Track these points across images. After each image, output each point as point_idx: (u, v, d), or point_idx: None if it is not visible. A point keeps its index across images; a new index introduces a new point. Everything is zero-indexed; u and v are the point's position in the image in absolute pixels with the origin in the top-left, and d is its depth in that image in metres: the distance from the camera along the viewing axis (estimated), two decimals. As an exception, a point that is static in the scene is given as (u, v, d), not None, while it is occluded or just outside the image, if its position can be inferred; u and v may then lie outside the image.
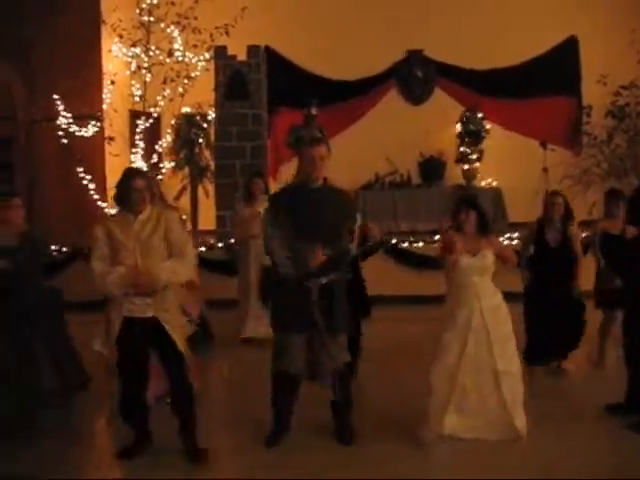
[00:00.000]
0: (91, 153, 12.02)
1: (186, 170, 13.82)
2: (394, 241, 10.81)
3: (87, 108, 11.81)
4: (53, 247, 11.08)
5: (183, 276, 4.77)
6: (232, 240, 9.44)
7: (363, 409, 5.51)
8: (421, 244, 10.77)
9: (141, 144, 12.65)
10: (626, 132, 13.14)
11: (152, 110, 12.78)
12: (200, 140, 13.68)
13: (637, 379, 5.35)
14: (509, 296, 5.27)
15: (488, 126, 14.01)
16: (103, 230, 4.64)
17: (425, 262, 9.98)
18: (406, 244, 10.84)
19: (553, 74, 13.93)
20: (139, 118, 12.74)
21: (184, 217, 8.47)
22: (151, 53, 12.64)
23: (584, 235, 7.51)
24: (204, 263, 10.43)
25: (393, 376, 6.78)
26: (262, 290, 5.21)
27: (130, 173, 4.75)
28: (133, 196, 4.59)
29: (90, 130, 11.92)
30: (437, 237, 10.25)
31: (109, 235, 4.60)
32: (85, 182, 11.71)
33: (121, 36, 12.49)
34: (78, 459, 5.01)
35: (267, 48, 13.10)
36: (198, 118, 13.61)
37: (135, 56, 12.65)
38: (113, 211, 9.30)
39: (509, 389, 4.98)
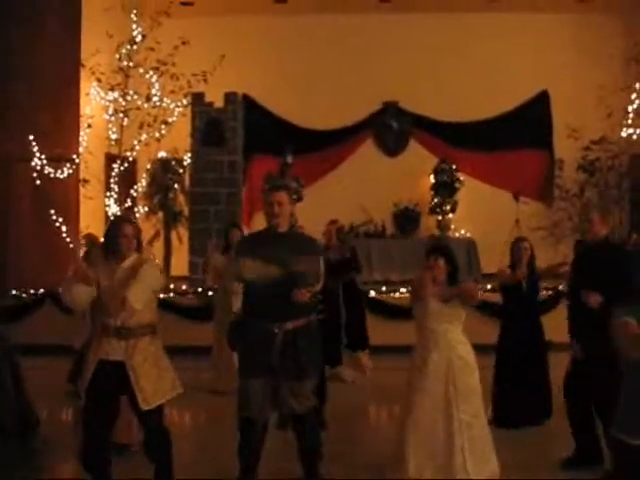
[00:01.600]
0: (65, 195, 11.95)
1: (160, 215, 13.79)
2: (367, 291, 10.80)
3: (63, 150, 11.78)
4: (23, 289, 10.98)
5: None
6: (206, 286, 9.39)
7: (334, 456, 5.44)
8: (395, 294, 10.76)
9: (116, 188, 12.61)
10: (596, 186, 13.37)
11: (128, 154, 12.77)
12: (175, 185, 13.68)
13: (584, 433, 5.41)
14: (479, 348, 5.28)
15: (462, 178, 14.18)
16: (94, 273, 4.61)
17: (398, 312, 9.97)
18: (377, 294, 10.83)
19: (525, 128, 14.18)
20: (115, 161, 12.72)
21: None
22: (129, 97, 12.66)
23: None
24: (176, 309, 10.39)
25: (364, 425, 6.72)
26: (228, 339, 5.15)
27: (120, 220, 4.77)
28: (121, 241, 4.58)
29: (65, 172, 11.87)
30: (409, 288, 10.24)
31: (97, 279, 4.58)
32: (58, 224, 11.62)
33: (99, 80, 12.52)
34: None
35: (244, 96, 13.22)
36: (174, 163, 13.63)
37: (113, 100, 12.68)
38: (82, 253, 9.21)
39: (468, 439, 4.95)
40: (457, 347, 5.09)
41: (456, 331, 5.14)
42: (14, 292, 11.01)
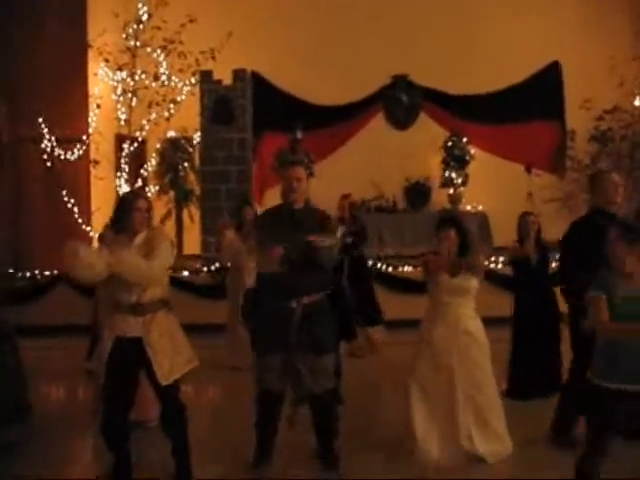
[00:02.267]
0: (76, 176, 11.98)
1: (171, 194, 13.80)
2: (379, 265, 10.81)
3: (72, 131, 11.79)
4: (37, 270, 11.04)
5: (122, 264, 4.46)
6: (219, 265, 9.41)
7: (350, 431, 5.46)
8: (407, 268, 10.76)
9: (126, 168, 12.62)
10: (609, 156, 13.25)
11: (137, 134, 12.76)
12: (185, 164, 13.68)
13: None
14: (493, 321, 5.26)
15: (473, 151, 14.09)
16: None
17: (410, 286, 9.97)
18: (391, 269, 10.83)
19: (537, 99, 14.04)
20: (124, 142, 12.72)
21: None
22: (137, 77, 12.63)
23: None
24: (190, 287, 10.43)
25: (378, 399, 6.74)
26: (243, 311, 5.14)
27: (133, 194, 4.74)
28: (135, 215, 4.55)
29: (75, 153, 11.89)
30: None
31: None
32: (70, 205, 11.66)
33: (107, 60, 12.49)
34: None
35: (253, 73, 13.15)
36: (183, 142, 13.62)
37: (121, 80, 12.65)
38: (96, 235, 9.24)
39: (473, 413, 4.96)
40: (467, 322, 5.08)
41: (468, 306, 5.12)
42: (27, 274, 11.07)
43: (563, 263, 5.44)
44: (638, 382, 3.76)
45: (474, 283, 5.08)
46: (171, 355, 4.61)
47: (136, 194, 4.78)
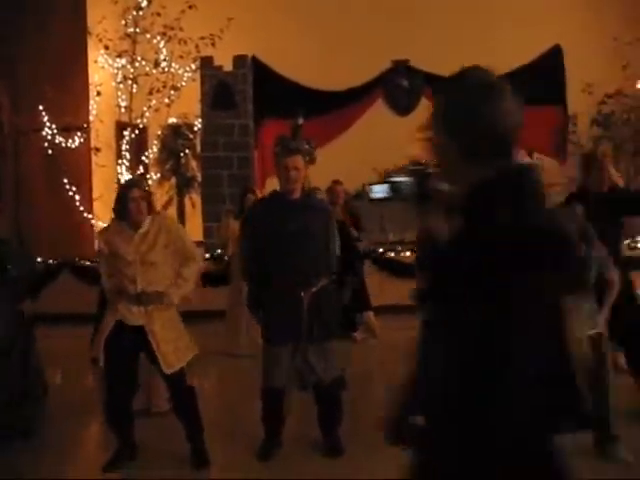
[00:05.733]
0: (77, 164, 11.98)
1: (172, 181, 13.80)
2: (381, 251, 10.82)
3: (73, 119, 11.77)
4: (40, 259, 11.05)
5: (189, 287, 4.81)
6: (220, 251, 9.41)
7: (355, 417, 5.47)
8: (409, 254, 10.76)
9: (127, 155, 12.62)
10: (612, 140, 13.22)
11: (138, 121, 12.75)
12: (186, 151, 13.67)
13: None
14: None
15: (474, 135, 14.05)
16: (105, 242, 4.69)
17: (413, 272, 9.96)
18: (393, 254, 10.84)
19: (538, 83, 13.94)
20: (125, 129, 12.71)
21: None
22: (137, 64, 12.60)
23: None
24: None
25: (380, 384, 6.76)
26: (248, 303, 5.13)
27: (127, 184, 4.79)
28: (130, 206, 4.58)
29: (76, 141, 11.89)
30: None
31: (109, 246, 4.64)
32: (71, 193, 11.66)
33: (107, 47, 12.46)
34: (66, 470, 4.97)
35: (253, 58, 13.11)
36: (184, 129, 13.60)
37: (121, 67, 12.63)
38: (100, 223, 9.26)
39: None
40: None
41: None
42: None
43: None
44: None
45: None
46: (175, 344, 4.68)
47: (129, 184, 4.79)
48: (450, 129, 1.93)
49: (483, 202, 1.82)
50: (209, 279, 10.00)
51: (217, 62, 12.42)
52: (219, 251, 10.39)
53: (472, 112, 1.90)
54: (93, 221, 11.84)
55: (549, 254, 1.74)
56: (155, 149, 13.50)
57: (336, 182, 8.64)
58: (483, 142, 1.88)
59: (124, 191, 4.68)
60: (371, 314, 8.56)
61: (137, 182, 5.06)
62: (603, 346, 4.58)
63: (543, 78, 13.98)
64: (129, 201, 4.58)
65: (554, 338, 1.80)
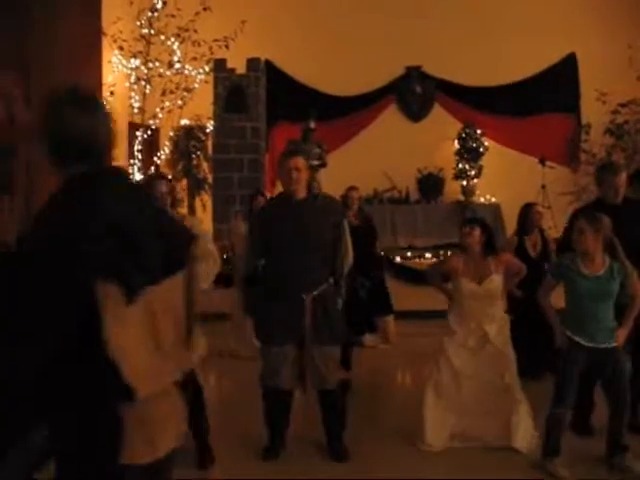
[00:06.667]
0: (89, 164, 12.00)
1: (184, 182, 13.81)
2: (392, 257, 10.80)
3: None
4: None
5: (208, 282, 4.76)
6: (231, 253, 9.39)
7: (361, 421, 5.45)
8: (420, 260, 10.74)
9: (139, 156, 12.64)
10: (624, 150, 13.16)
11: (151, 122, 12.77)
12: (198, 152, 13.68)
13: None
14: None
15: (486, 142, 14.03)
16: None
17: (423, 277, 9.92)
18: (403, 260, 10.83)
19: (552, 91, 13.96)
20: (138, 130, 12.73)
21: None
22: (151, 65, 12.63)
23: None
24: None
25: (390, 390, 6.72)
26: (243, 303, 5.12)
27: (152, 178, 4.70)
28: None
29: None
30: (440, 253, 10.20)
31: None
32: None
33: (121, 48, 12.49)
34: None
35: (267, 62, 13.13)
36: (196, 130, 13.61)
37: (135, 68, 12.66)
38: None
39: (510, 406, 4.95)
40: (494, 324, 5.04)
41: (494, 308, 5.06)
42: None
43: (558, 249, 5.61)
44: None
45: (497, 284, 5.02)
46: None
47: (155, 178, 4.73)
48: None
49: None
50: (219, 280, 9.97)
51: (230, 65, 12.44)
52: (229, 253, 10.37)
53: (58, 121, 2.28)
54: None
55: None
56: (167, 150, 13.51)
57: (352, 188, 8.59)
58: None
59: (149, 185, 4.64)
60: (391, 319, 8.52)
61: (162, 176, 5.00)
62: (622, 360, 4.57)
63: (557, 86, 13.98)
64: (155, 195, 4.47)
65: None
